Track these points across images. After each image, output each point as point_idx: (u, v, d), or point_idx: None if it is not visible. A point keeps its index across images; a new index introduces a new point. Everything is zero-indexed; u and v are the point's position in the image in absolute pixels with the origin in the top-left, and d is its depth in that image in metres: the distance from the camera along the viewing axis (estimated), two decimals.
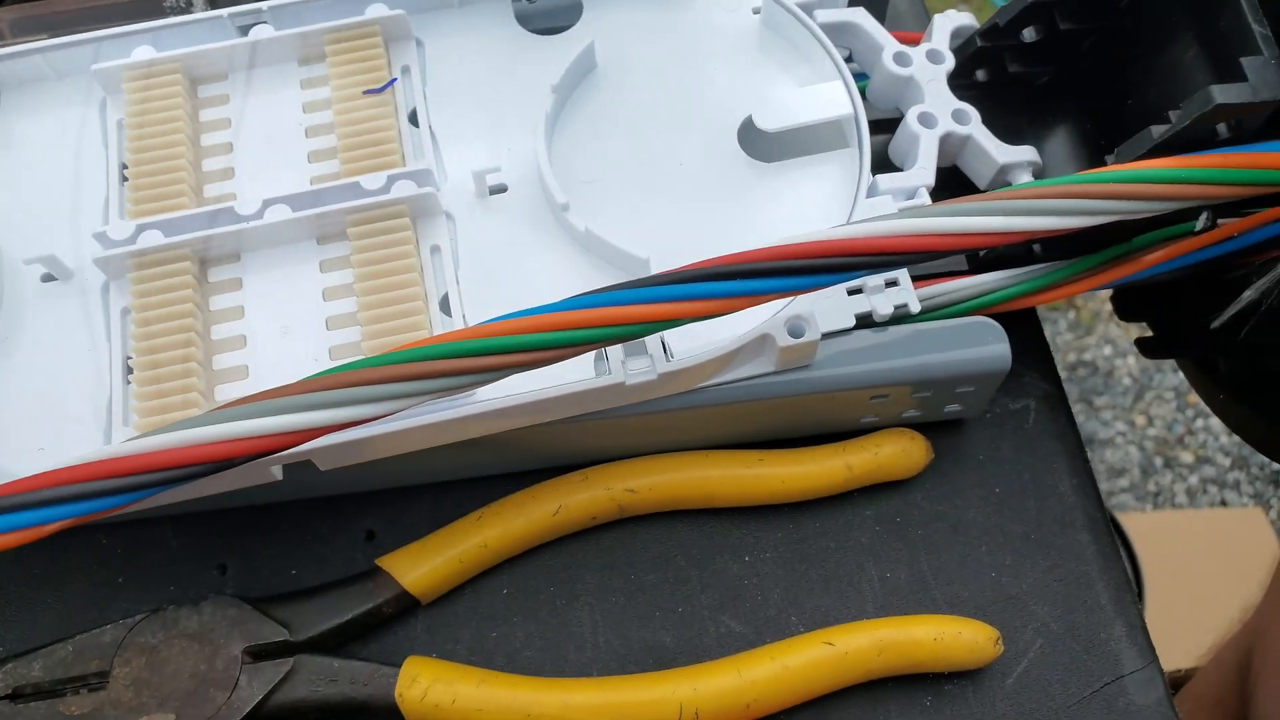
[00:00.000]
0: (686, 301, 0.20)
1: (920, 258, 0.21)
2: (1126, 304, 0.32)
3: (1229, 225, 0.26)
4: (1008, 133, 0.28)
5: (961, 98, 0.28)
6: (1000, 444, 0.28)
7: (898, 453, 0.26)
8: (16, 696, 0.24)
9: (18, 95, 0.27)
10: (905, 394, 0.25)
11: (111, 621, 0.25)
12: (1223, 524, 0.96)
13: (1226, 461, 1.05)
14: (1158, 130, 0.23)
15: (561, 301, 0.20)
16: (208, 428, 0.18)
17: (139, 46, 0.26)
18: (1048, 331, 1.10)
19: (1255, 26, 0.22)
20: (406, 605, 0.26)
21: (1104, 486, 1.03)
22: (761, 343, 0.23)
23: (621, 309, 0.20)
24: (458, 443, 0.24)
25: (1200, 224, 0.26)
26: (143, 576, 0.27)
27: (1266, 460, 1.04)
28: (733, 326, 0.23)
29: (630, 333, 0.20)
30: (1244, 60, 0.22)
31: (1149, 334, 0.31)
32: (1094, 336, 1.08)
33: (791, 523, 0.27)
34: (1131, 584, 0.26)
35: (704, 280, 0.20)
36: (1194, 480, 1.04)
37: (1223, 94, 0.21)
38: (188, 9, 0.31)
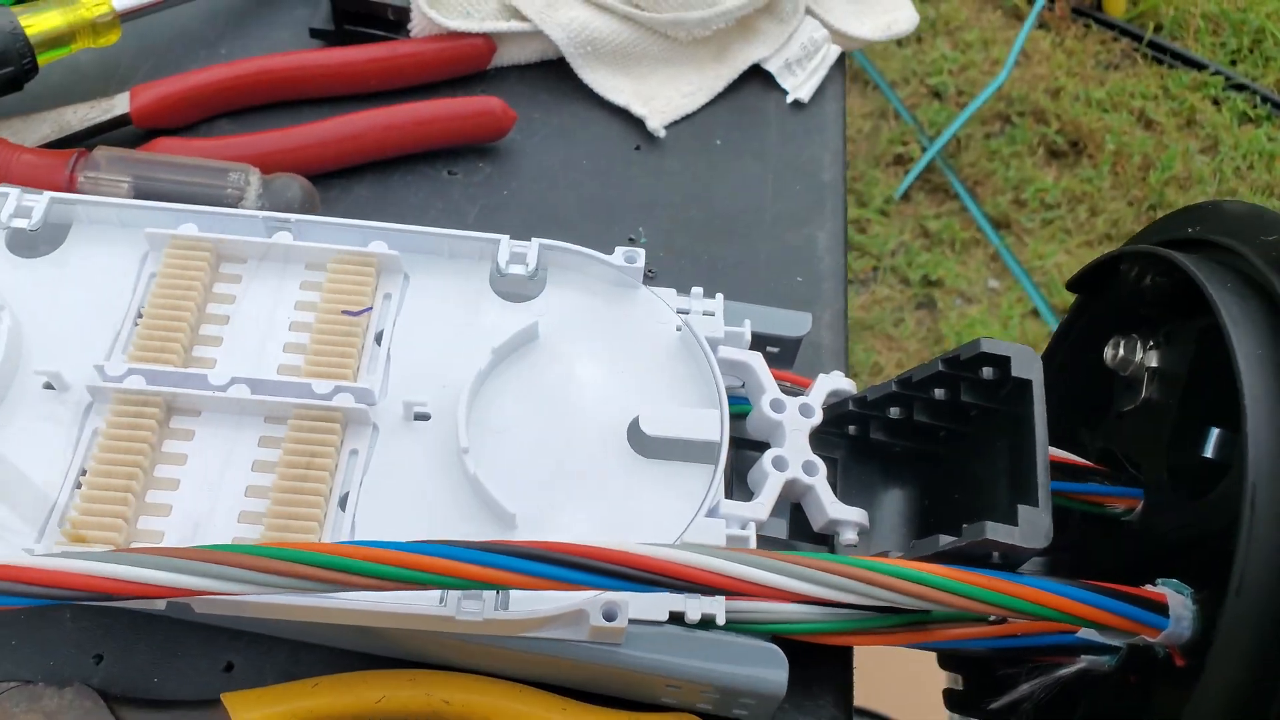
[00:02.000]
0: (513, 573, 0.25)
1: (707, 591, 0.25)
2: (943, 655, 0.36)
3: (1016, 625, 0.31)
4: (858, 487, 0.33)
5: (830, 445, 0.34)
6: None
7: None
8: None
9: (86, 230, 0.33)
10: (695, 690, 0.29)
11: None
12: None
13: None
14: (944, 540, 0.28)
15: (415, 544, 0.25)
16: (108, 565, 0.23)
17: (186, 223, 0.33)
18: None
19: (1039, 478, 0.28)
20: None
21: None
22: (578, 615, 0.28)
23: (460, 565, 0.25)
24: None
25: (993, 615, 0.31)
26: (34, 645, 0.31)
27: None
28: (563, 594, 0.28)
29: (462, 585, 0.25)
30: (1021, 508, 0.27)
31: (959, 687, 0.36)
32: None
33: None
34: None
35: (533, 560, 0.25)
36: None
37: (993, 532, 0.26)
38: (241, 198, 0.37)
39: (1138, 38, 1.56)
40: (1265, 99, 1.51)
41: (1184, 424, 0.31)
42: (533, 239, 0.34)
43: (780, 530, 0.33)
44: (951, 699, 0.35)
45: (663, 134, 0.46)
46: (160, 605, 0.28)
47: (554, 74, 0.47)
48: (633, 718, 0.30)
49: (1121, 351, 0.33)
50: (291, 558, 0.24)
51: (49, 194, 0.33)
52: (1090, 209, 1.45)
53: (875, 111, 1.49)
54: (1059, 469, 0.34)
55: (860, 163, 1.43)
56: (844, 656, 0.34)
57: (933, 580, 0.26)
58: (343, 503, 0.29)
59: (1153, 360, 0.32)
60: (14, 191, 0.33)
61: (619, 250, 0.34)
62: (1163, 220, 0.33)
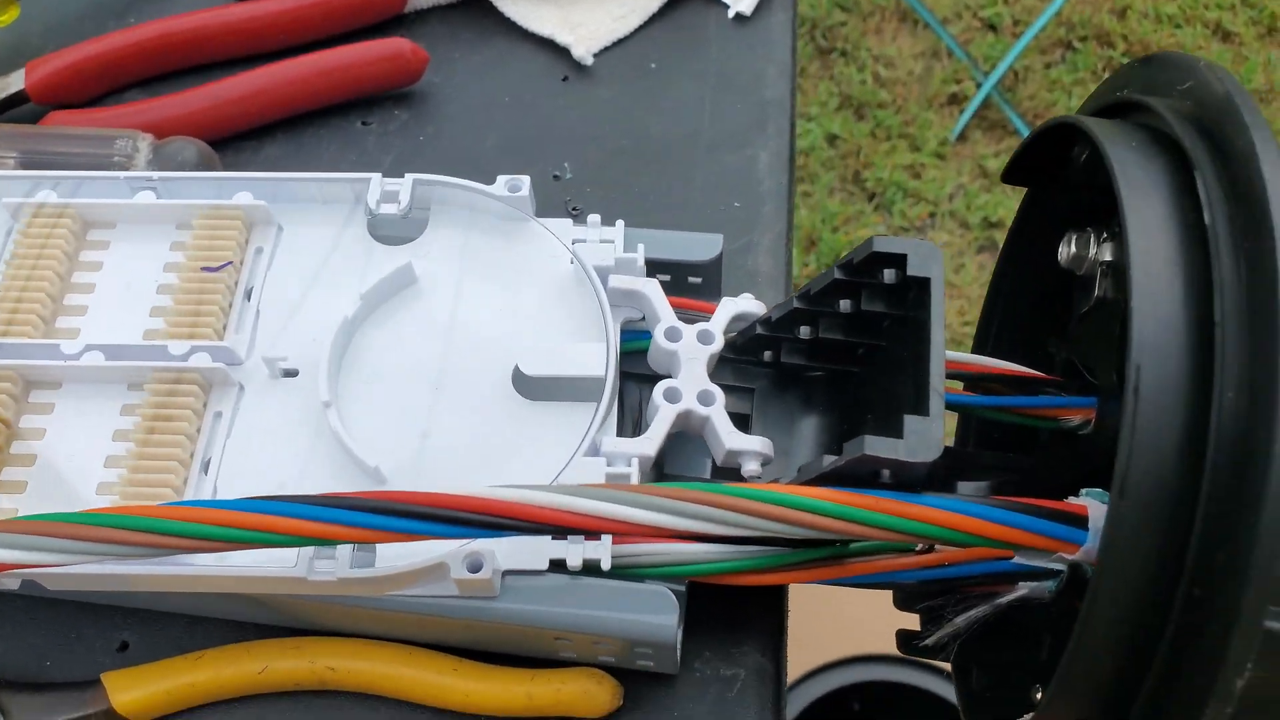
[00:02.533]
0: (345, 526, 0.23)
1: (552, 530, 0.23)
2: (904, 596, 0.33)
3: (946, 553, 0.27)
4: (780, 417, 0.30)
5: (750, 374, 0.31)
6: (698, 705, 0.29)
7: (579, 692, 0.28)
8: None
9: None
10: (586, 641, 0.27)
11: None
12: None
13: None
14: (828, 460, 0.24)
15: (233, 500, 0.23)
16: None
17: (43, 189, 0.31)
18: None
19: (933, 383, 0.24)
20: None
21: None
22: (439, 569, 0.26)
23: (283, 520, 0.23)
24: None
25: (920, 544, 0.28)
26: None
27: None
28: (420, 547, 0.25)
29: (287, 542, 0.23)
30: (907, 419, 0.24)
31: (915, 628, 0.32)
32: None
33: None
34: None
35: (364, 510, 0.23)
36: None
37: (872, 446, 0.23)
38: (129, 165, 0.36)
39: None
40: None
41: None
42: (406, 175, 0.32)
43: (704, 471, 0.30)
44: (906, 641, 0.32)
45: (590, 61, 0.43)
46: (12, 584, 0.27)
47: (476, 11, 0.44)
48: (531, 674, 0.28)
49: (1074, 248, 0.29)
50: (106, 522, 0.22)
51: None
52: None
53: (927, 51, 1.41)
54: (1011, 383, 0.31)
55: (912, 105, 1.36)
56: (774, 600, 0.31)
57: (808, 504, 0.23)
58: (205, 467, 0.28)
59: (1106, 254, 0.28)
60: None
61: (501, 179, 0.32)
62: (1102, 84, 0.29)
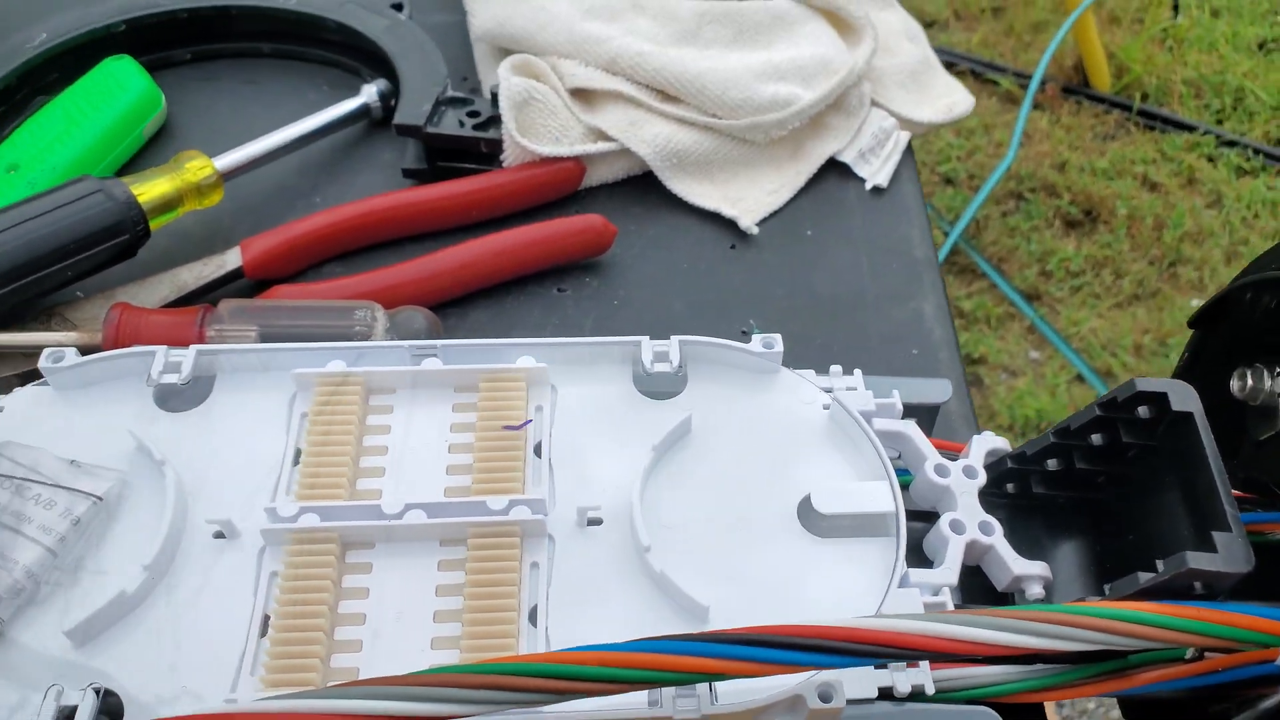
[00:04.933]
0: (735, 661, 0.24)
1: (929, 657, 0.25)
2: (1132, 713, 0.35)
3: (1215, 660, 0.30)
4: (1027, 543, 0.33)
5: (991, 506, 0.33)
6: None
7: None
8: None
9: (230, 379, 0.34)
10: None
11: None
12: None
13: None
14: (1144, 577, 0.27)
15: (630, 643, 0.24)
16: (326, 701, 0.22)
17: (334, 360, 0.33)
18: None
19: (1227, 509, 0.27)
20: None
21: None
22: (794, 702, 0.27)
23: (679, 658, 0.24)
24: None
25: (1190, 653, 0.30)
26: None
27: None
28: (772, 682, 0.27)
29: (683, 679, 0.24)
30: (1215, 535, 0.26)
31: None
32: None
33: None
34: None
35: (752, 645, 0.24)
36: None
37: (1195, 560, 0.26)
38: (369, 334, 0.38)
39: (1127, 108, 1.62)
40: (1257, 151, 1.56)
41: None
42: (671, 337, 0.34)
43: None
44: None
45: (755, 231, 0.47)
46: None
47: (640, 187, 0.48)
48: None
49: (1249, 381, 0.33)
50: (509, 671, 0.23)
51: (194, 347, 0.34)
52: (1114, 272, 1.47)
53: None
54: None
55: None
56: (1038, 714, 0.32)
57: (1152, 619, 0.25)
58: (532, 617, 0.29)
59: None
60: (160, 349, 0.34)
61: (756, 338, 0.34)
62: (1273, 250, 0.33)
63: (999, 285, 1.46)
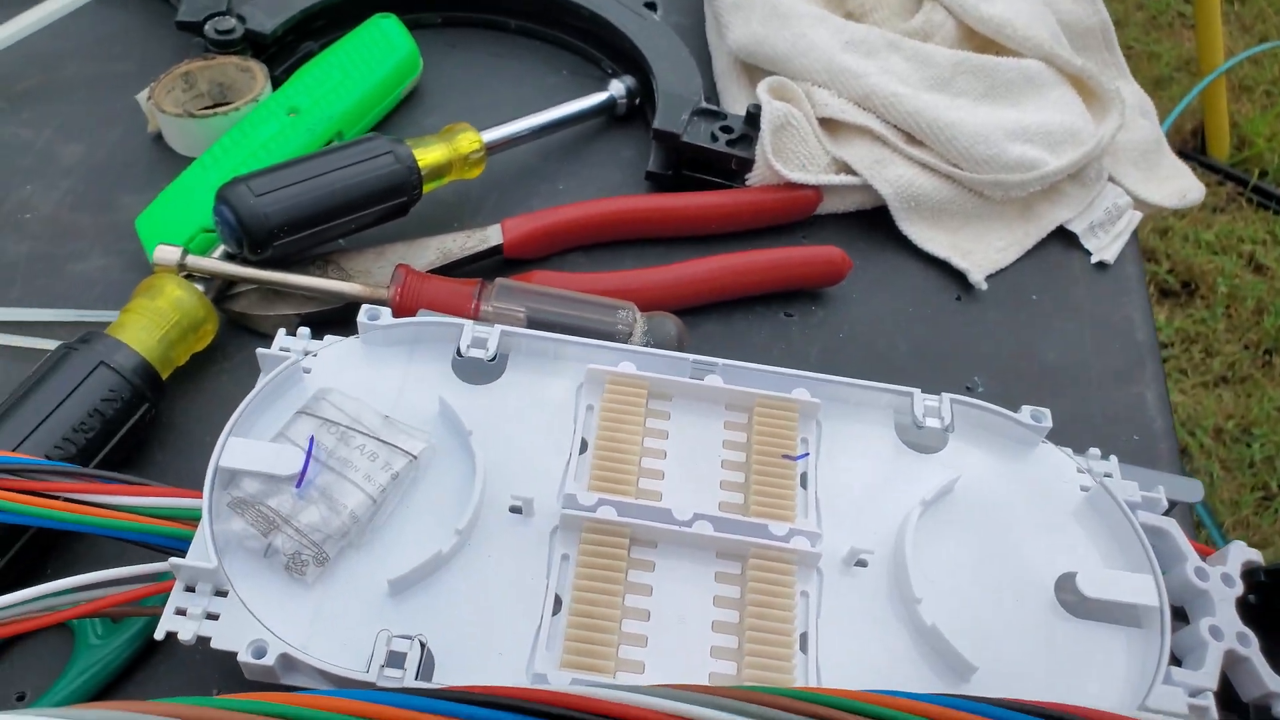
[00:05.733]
0: None
1: None
2: None
3: None
4: (1272, 660, 0.34)
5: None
6: None
7: None
8: None
9: (523, 360, 0.36)
10: None
11: None
12: None
13: None
14: None
15: (937, 696, 0.25)
16: (655, 699, 0.24)
17: (625, 361, 0.35)
18: None
19: None
20: None
21: None
22: None
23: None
24: None
25: None
26: None
27: None
28: None
29: None
30: None
31: None
32: None
33: None
34: None
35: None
36: None
37: None
38: (630, 335, 0.40)
39: (1243, 182, 1.58)
40: None
41: None
42: (942, 394, 0.36)
43: None
44: None
45: (984, 286, 0.48)
46: None
47: (867, 223, 0.49)
48: None
49: None
50: (827, 702, 0.25)
51: (499, 327, 0.35)
52: (1205, 350, 1.45)
53: None
54: None
55: None
56: None
57: None
58: (801, 644, 0.30)
59: None
60: (467, 324, 0.35)
61: (1026, 409, 0.36)
62: None
63: None
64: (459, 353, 0.35)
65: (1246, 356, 1.44)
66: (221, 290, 0.42)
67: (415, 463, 0.32)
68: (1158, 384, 0.45)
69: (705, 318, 0.45)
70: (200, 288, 0.40)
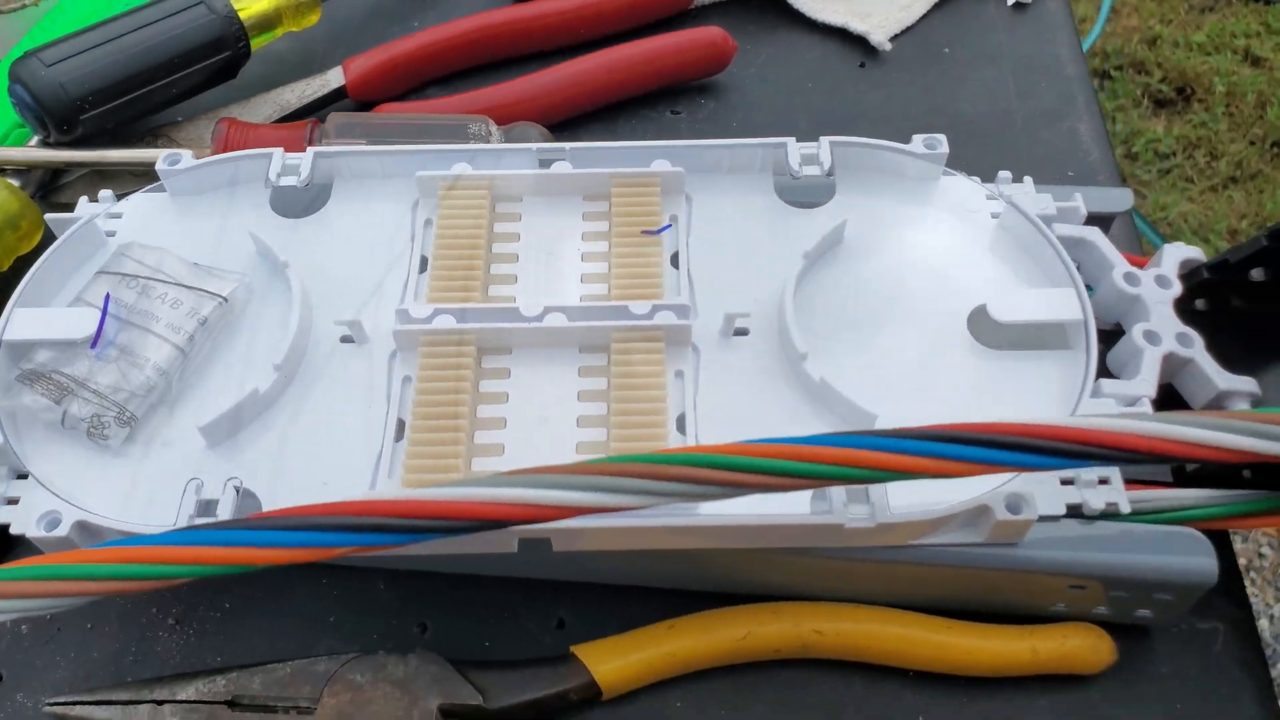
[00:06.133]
0: (934, 459, 0.22)
1: (1152, 459, 0.22)
2: None
3: None
4: (1226, 360, 0.30)
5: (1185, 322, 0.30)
6: (1185, 661, 0.28)
7: (1085, 647, 0.27)
8: (234, 704, 0.26)
9: (350, 185, 0.32)
10: (1100, 589, 0.26)
11: (317, 654, 0.27)
12: None
13: None
14: None
15: (817, 436, 0.22)
16: (494, 489, 0.21)
17: (458, 163, 0.31)
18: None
19: None
20: (590, 695, 0.27)
21: None
22: (978, 513, 0.25)
23: (873, 454, 0.22)
24: (664, 552, 0.26)
25: None
26: (353, 620, 0.29)
27: None
28: (952, 492, 0.25)
29: (875, 477, 0.22)
30: None
31: None
32: None
33: (966, 696, 0.28)
34: None
35: (949, 442, 0.22)
36: None
37: None
38: (487, 139, 0.36)
39: None
40: None
41: None
42: (820, 138, 0.31)
43: None
44: None
45: (888, 48, 0.43)
46: (513, 546, 0.25)
47: (755, 6, 0.45)
48: (1029, 630, 0.27)
49: None
50: (688, 461, 0.21)
51: (312, 149, 0.32)
52: (1209, 153, 1.37)
53: None
54: None
55: None
56: (1226, 547, 0.30)
57: None
58: (679, 425, 0.27)
59: None
60: (276, 151, 0.32)
61: (917, 138, 0.31)
62: None
63: None
64: (270, 184, 0.31)
65: (1254, 152, 1.37)
66: (45, 184, 0.38)
67: (226, 305, 0.28)
68: (1091, 115, 0.41)
69: (584, 128, 0.41)
70: (16, 183, 0.36)
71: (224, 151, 0.36)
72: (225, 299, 0.28)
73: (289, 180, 0.31)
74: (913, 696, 0.28)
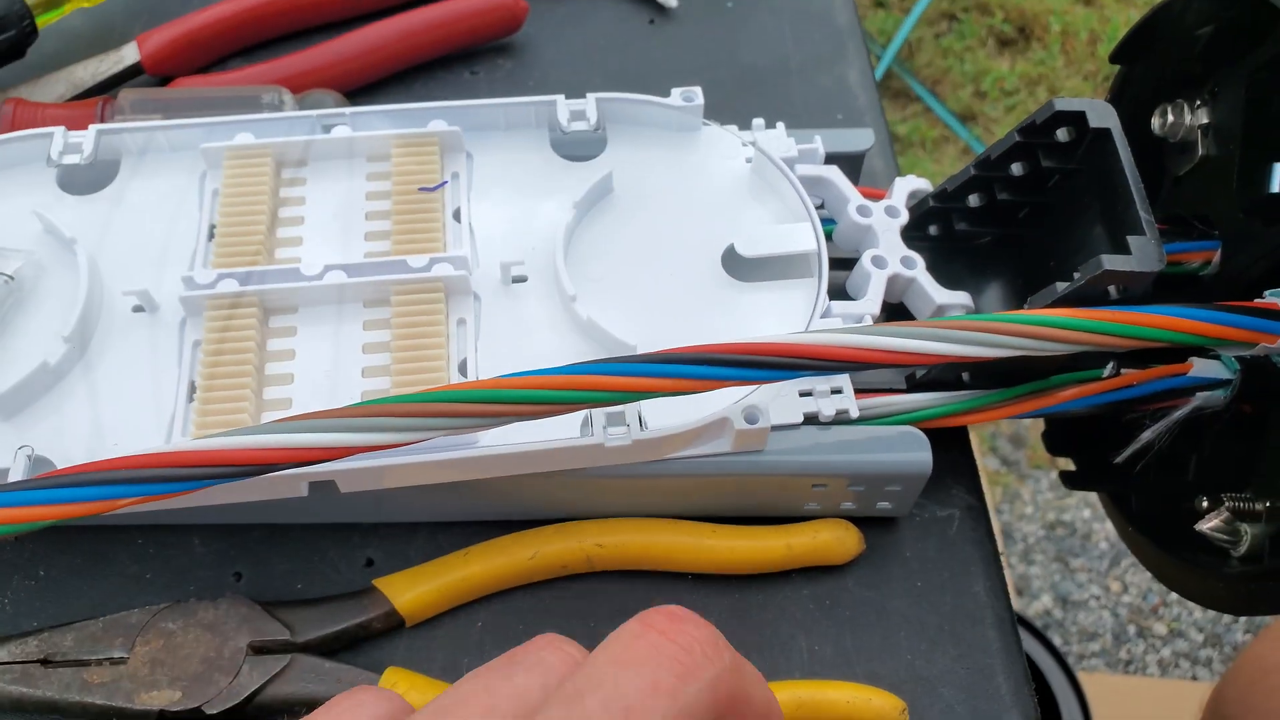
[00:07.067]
0: (665, 378, 0.25)
1: (858, 367, 0.25)
2: (1053, 440, 0.36)
3: (1130, 375, 0.31)
4: (950, 280, 0.33)
5: (914, 248, 0.34)
6: (925, 545, 0.32)
7: (833, 540, 0.30)
8: (47, 662, 0.28)
9: (137, 161, 0.33)
10: (841, 485, 0.29)
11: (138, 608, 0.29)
12: (1188, 698, 0.97)
13: (1199, 637, 1.06)
14: (1061, 286, 0.28)
15: (563, 366, 0.24)
16: (262, 436, 0.22)
17: (241, 133, 0.32)
18: (1028, 489, 1.13)
19: (1142, 214, 0.28)
20: (394, 624, 0.29)
21: (1075, 649, 1.04)
22: (721, 425, 0.28)
23: (611, 378, 0.24)
24: (456, 486, 0.29)
25: (1107, 371, 0.31)
26: (169, 575, 0.31)
27: (1239, 639, 1.05)
28: (699, 410, 0.28)
29: (616, 398, 0.24)
30: (1130, 239, 0.27)
31: (1073, 468, 0.36)
32: (1074, 498, 1.12)
33: (738, 592, 0.31)
34: (1029, 678, 0.30)
35: (682, 363, 0.25)
36: (1166, 653, 1.05)
37: (1110, 262, 0.27)
38: (280, 108, 0.37)
39: None
40: None
41: (1248, 168, 0.31)
42: (588, 95, 0.34)
43: None
44: (1069, 479, 0.36)
45: (674, 4, 0.45)
46: (303, 490, 0.27)
47: None
48: (784, 529, 0.30)
49: (1170, 118, 0.33)
50: (445, 397, 0.24)
51: (94, 127, 0.32)
52: (1049, 89, 1.46)
53: None
54: None
55: None
56: (964, 444, 0.34)
57: (1070, 322, 0.26)
58: (462, 369, 0.29)
59: (1203, 117, 0.32)
60: (57, 130, 0.32)
61: (676, 92, 0.34)
62: None
63: (933, 108, 1.45)
64: (53, 163, 0.32)
65: (1088, 88, 1.46)
66: None
67: (13, 284, 0.29)
68: (860, 62, 0.44)
69: (383, 93, 0.42)
70: None
71: (13, 129, 0.36)
72: (11, 277, 0.29)
73: (72, 158, 0.32)
74: (690, 596, 0.31)
